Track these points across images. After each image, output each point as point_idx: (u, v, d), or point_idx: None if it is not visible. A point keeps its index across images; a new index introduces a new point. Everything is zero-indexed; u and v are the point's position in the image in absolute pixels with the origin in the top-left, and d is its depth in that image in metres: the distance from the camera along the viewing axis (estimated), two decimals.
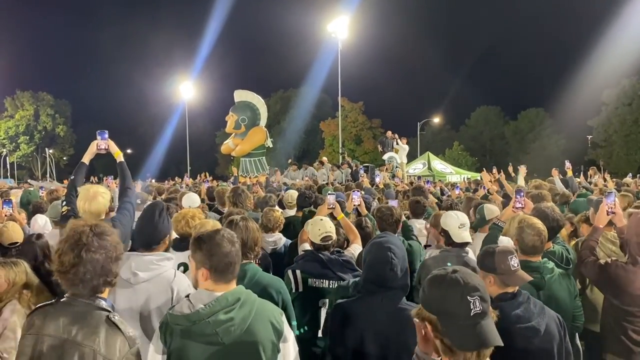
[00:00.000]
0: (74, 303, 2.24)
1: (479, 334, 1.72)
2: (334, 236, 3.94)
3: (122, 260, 2.40)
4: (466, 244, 3.95)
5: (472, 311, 1.72)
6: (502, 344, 1.74)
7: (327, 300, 3.65)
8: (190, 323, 2.23)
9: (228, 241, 2.38)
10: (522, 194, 4.16)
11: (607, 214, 3.83)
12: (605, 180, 11.09)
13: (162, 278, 3.03)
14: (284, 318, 2.47)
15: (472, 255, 3.93)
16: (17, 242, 4.47)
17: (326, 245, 3.85)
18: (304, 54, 58.57)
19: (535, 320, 2.64)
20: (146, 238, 3.18)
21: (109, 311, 2.25)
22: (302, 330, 3.52)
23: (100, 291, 2.27)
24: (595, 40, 46.01)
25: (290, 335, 2.46)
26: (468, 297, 1.73)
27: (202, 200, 7.84)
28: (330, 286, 3.72)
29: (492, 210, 4.93)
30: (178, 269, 3.89)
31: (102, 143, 4.33)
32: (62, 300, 2.27)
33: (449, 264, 3.54)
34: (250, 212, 5.52)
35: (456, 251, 3.91)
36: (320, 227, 3.91)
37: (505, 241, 3.65)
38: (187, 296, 2.36)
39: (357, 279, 3.57)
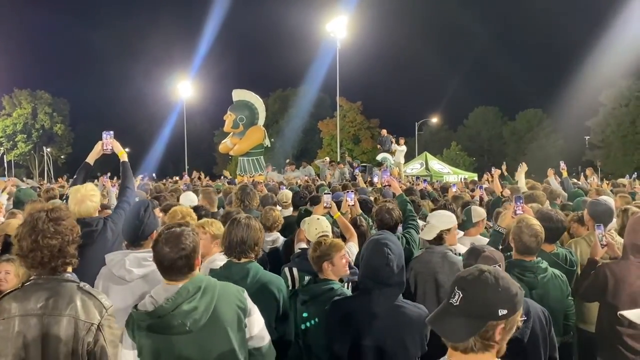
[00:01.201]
0: (41, 282, 2.32)
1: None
2: (330, 235, 3.97)
3: (76, 245, 2.45)
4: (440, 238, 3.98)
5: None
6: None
7: None
8: (156, 318, 2.30)
9: (166, 244, 2.38)
10: (521, 200, 4.16)
11: (602, 247, 3.82)
12: (602, 181, 11.16)
13: (156, 274, 3.04)
14: (245, 294, 2.56)
15: (455, 253, 3.99)
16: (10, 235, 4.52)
17: None
18: (302, 54, 58.64)
19: (519, 332, 2.66)
20: (133, 234, 3.22)
21: (77, 282, 2.35)
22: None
23: (60, 271, 2.34)
24: (593, 41, 46.14)
25: (254, 308, 2.55)
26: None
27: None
28: None
29: (479, 212, 4.97)
30: None
31: (108, 143, 4.35)
32: (27, 283, 2.35)
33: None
34: (253, 211, 5.55)
35: (439, 249, 3.94)
36: (317, 227, 3.96)
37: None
38: (151, 292, 2.43)
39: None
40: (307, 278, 3.75)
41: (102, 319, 2.27)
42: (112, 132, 4.38)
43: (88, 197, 3.76)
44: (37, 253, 2.27)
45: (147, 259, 3.07)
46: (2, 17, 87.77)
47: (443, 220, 4.05)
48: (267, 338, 2.62)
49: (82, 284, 2.34)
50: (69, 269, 2.40)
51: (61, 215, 2.38)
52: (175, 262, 2.37)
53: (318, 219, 4.11)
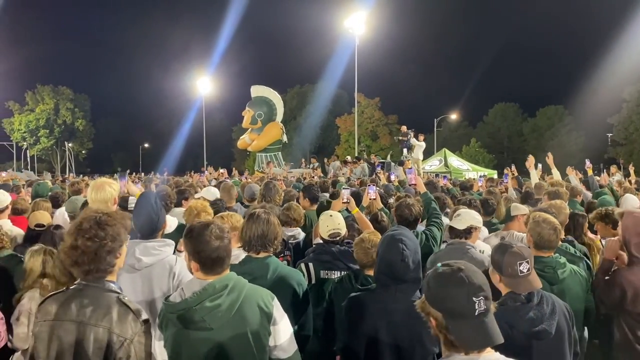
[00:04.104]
0: (84, 288, 2.33)
1: (483, 332, 1.76)
2: (343, 232, 3.99)
3: (121, 251, 2.45)
4: (469, 232, 3.96)
5: (477, 311, 1.75)
6: (503, 341, 1.78)
7: None
8: (180, 311, 2.33)
9: (216, 237, 2.45)
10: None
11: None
12: (626, 177, 10.95)
13: (164, 262, 3.14)
14: (274, 302, 2.53)
15: (478, 250, 3.96)
16: (43, 225, 4.61)
17: (334, 242, 3.93)
18: (320, 50, 58.40)
19: (547, 322, 2.63)
20: (150, 228, 3.24)
21: (118, 293, 2.35)
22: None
23: (96, 277, 2.34)
24: (616, 36, 45.16)
25: (282, 318, 2.52)
26: (474, 298, 1.77)
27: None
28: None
29: (518, 207, 4.93)
30: None
31: (123, 185, 4.54)
32: (72, 287, 2.37)
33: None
34: (275, 208, 5.57)
35: (461, 245, 3.91)
36: (329, 224, 3.96)
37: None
38: (182, 287, 2.46)
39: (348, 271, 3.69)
40: (321, 272, 3.81)
41: (136, 335, 2.26)
42: (126, 177, 4.61)
43: (107, 183, 3.89)
44: (74, 251, 2.30)
45: (156, 248, 3.14)
46: (25, 15, 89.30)
47: (475, 217, 4.04)
48: (292, 351, 2.57)
49: (122, 295, 2.34)
50: (109, 277, 2.39)
51: (108, 221, 2.38)
52: (219, 256, 2.42)
53: (331, 215, 4.10)
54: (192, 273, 2.55)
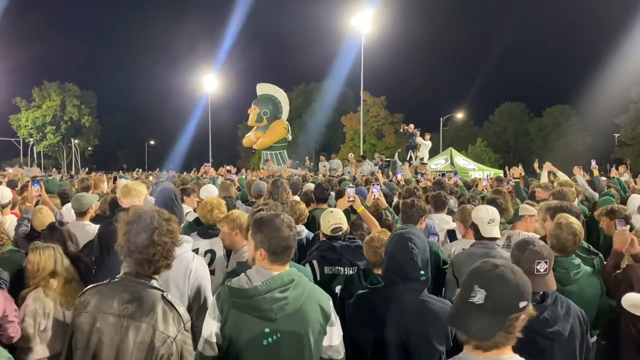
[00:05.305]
0: (127, 283, 2.34)
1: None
2: (345, 227, 4.04)
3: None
4: (495, 239, 3.93)
5: (470, 299, 1.77)
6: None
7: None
8: (247, 297, 2.35)
9: (287, 226, 2.50)
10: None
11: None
12: (634, 177, 10.94)
13: (182, 259, 3.14)
14: (331, 303, 2.56)
15: (502, 249, 3.94)
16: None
17: (337, 237, 3.97)
18: (326, 48, 58.48)
19: (561, 324, 2.62)
20: None
21: (162, 290, 2.35)
22: None
23: (160, 272, 2.39)
24: (624, 36, 44.85)
25: (337, 320, 2.56)
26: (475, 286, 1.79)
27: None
28: (345, 272, 3.84)
29: (526, 207, 4.92)
30: (204, 257, 4.00)
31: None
32: (114, 280, 2.37)
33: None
34: (279, 205, 5.58)
35: (485, 245, 3.88)
36: (330, 219, 4.01)
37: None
38: (245, 272, 2.46)
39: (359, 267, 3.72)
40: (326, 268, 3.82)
41: (179, 333, 2.27)
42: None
43: (135, 187, 4.03)
44: (151, 249, 2.31)
45: None
46: (32, 12, 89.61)
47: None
48: (343, 352, 2.60)
49: (165, 292, 2.35)
50: (156, 276, 2.42)
51: (171, 217, 2.46)
52: (289, 245, 2.48)
53: (331, 211, 4.15)
54: (251, 265, 2.57)
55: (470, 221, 4.13)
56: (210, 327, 2.41)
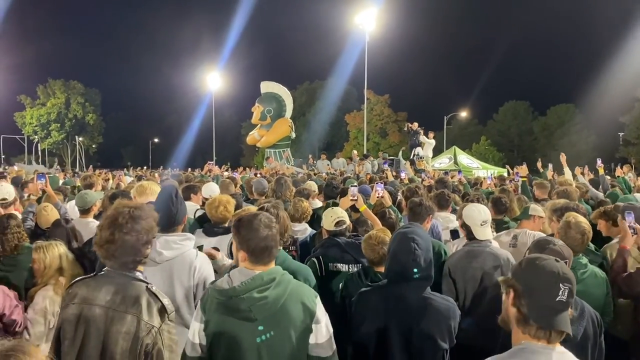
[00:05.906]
0: (113, 275, 2.40)
1: (555, 315, 1.86)
2: (347, 221, 4.06)
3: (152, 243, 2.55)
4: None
5: (558, 297, 1.85)
6: (571, 333, 1.91)
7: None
8: (226, 298, 2.36)
9: (265, 226, 2.48)
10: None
11: (632, 235, 3.72)
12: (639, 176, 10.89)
13: (185, 257, 3.15)
14: (317, 300, 2.53)
15: (495, 244, 3.92)
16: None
17: (341, 231, 3.99)
18: (330, 46, 58.53)
19: (573, 326, 2.59)
20: (167, 221, 3.23)
21: (147, 282, 2.41)
22: None
23: (129, 268, 2.42)
24: (629, 34, 44.66)
25: (323, 317, 2.52)
26: (561, 284, 1.87)
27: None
28: (349, 270, 3.83)
29: (535, 207, 4.89)
30: None
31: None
32: (100, 273, 2.43)
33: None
34: (280, 202, 5.58)
35: (480, 244, 3.84)
36: (332, 214, 4.04)
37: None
38: (229, 273, 2.47)
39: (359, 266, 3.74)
40: (330, 265, 3.83)
41: (163, 323, 2.33)
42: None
43: (149, 187, 4.14)
44: (112, 245, 2.36)
45: (177, 242, 3.15)
46: (37, 9, 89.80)
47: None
48: (332, 350, 2.55)
49: (150, 284, 2.41)
50: (140, 268, 2.47)
51: (142, 215, 2.46)
52: (267, 245, 2.45)
53: (332, 208, 4.18)
54: (235, 265, 2.57)
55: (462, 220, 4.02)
56: (194, 328, 2.44)
